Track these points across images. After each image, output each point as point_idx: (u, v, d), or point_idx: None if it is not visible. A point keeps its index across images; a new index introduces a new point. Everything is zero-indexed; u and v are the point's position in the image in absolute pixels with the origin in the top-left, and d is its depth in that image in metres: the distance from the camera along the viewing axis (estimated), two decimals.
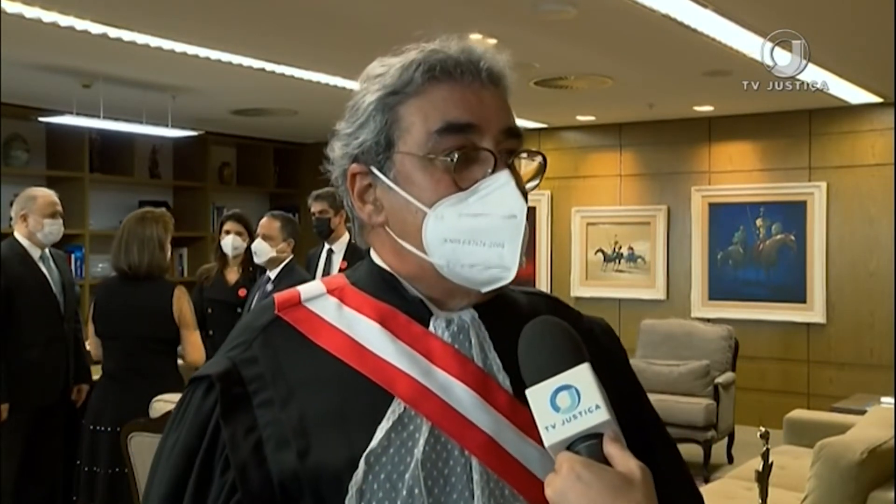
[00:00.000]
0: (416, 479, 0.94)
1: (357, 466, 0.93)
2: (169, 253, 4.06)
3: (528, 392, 0.89)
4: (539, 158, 1.07)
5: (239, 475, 0.95)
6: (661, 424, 1.17)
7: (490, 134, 1.00)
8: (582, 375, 0.88)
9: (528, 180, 1.05)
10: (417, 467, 0.94)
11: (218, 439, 0.97)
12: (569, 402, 0.86)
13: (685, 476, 1.15)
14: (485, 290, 1.01)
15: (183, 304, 3.97)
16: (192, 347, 3.95)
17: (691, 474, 1.17)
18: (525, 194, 1.01)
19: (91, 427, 3.88)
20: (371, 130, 1.02)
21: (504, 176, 0.99)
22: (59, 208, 4.37)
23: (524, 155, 1.05)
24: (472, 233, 0.98)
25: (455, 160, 0.98)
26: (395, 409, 0.97)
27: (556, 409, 0.87)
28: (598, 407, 0.86)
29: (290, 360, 1.00)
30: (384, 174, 1.02)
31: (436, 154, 0.99)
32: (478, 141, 1.00)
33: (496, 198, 0.98)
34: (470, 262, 0.99)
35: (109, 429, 3.73)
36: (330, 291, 1.06)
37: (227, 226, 5.08)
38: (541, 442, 0.88)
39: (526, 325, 0.93)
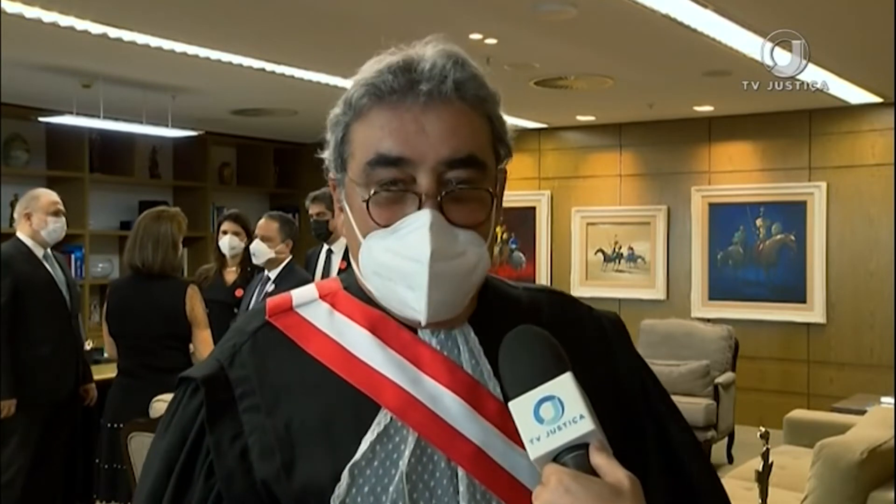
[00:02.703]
0: (400, 493, 0.92)
1: (340, 479, 0.93)
2: (180, 252, 4.13)
3: (510, 405, 0.87)
4: (483, 194, 0.98)
5: (225, 483, 0.94)
6: (678, 418, 1.13)
7: (426, 166, 0.95)
8: (565, 385, 0.86)
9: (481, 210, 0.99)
10: (402, 480, 0.93)
11: (201, 443, 0.96)
12: (552, 413, 0.85)
13: (705, 473, 1.11)
14: (419, 325, 0.99)
15: (195, 303, 4.05)
16: (204, 345, 4.02)
17: (714, 471, 1.14)
18: (468, 226, 0.96)
19: (109, 425, 3.93)
20: (331, 148, 1.03)
21: (422, 217, 0.94)
22: (62, 207, 4.44)
23: (467, 191, 0.97)
24: (392, 270, 0.97)
25: (370, 197, 0.96)
26: (380, 421, 0.95)
27: (540, 420, 0.85)
28: (582, 417, 0.84)
29: (278, 367, 1.00)
30: (342, 190, 1.03)
31: (368, 185, 0.97)
32: (413, 172, 0.95)
33: (409, 240, 0.95)
34: (395, 298, 0.98)
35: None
36: (322, 297, 1.05)
37: (225, 226, 5.08)
38: None
39: (504, 337, 0.92)
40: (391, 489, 0.93)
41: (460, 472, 0.95)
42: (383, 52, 1.01)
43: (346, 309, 1.03)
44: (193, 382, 1.00)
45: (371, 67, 1.00)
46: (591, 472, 0.84)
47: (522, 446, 0.89)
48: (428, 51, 0.98)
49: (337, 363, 0.99)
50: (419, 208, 0.95)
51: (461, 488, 0.94)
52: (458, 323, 1.02)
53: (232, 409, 0.97)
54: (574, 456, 0.84)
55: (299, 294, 1.06)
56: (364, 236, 0.99)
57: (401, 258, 0.96)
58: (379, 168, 0.96)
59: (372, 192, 0.96)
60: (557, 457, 0.85)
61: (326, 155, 1.04)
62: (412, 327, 1.01)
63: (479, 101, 0.99)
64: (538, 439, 0.85)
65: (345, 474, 0.93)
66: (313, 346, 1.00)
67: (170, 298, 4.01)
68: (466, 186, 0.97)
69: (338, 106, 1.02)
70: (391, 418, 0.96)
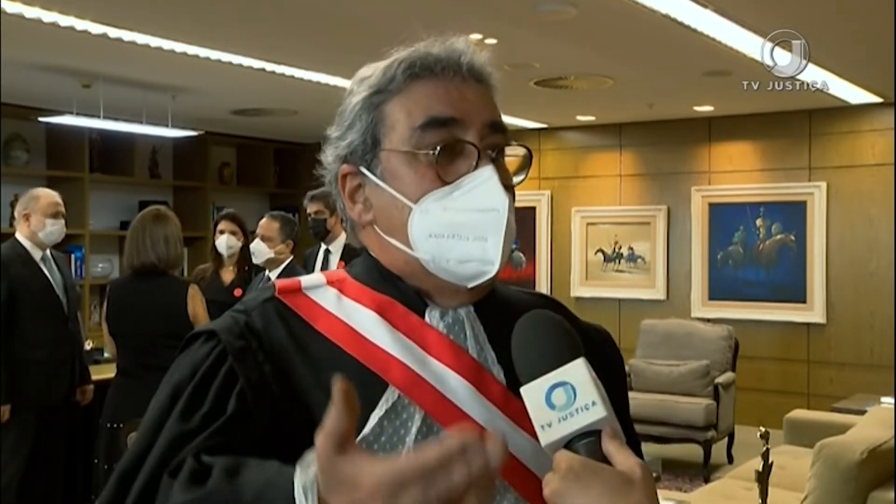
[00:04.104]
0: None
1: None
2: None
3: (522, 390, 0.87)
4: (524, 151, 1.08)
5: (253, 392, 0.94)
6: (638, 447, 1.15)
7: (474, 128, 1.01)
8: (577, 371, 0.85)
9: (514, 173, 1.07)
10: None
11: (212, 378, 0.96)
12: (564, 400, 0.84)
13: None
14: (470, 285, 1.02)
15: (196, 303, 4.09)
16: None
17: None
18: (511, 189, 1.02)
19: (109, 425, 3.93)
20: (358, 130, 1.04)
21: (487, 171, 1.00)
22: (62, 209, 4.41)
23: (509, 151, 1.06)
24: (456, 227, 0.99)
25: (437, 154, 0.99)
26: (388, 398, 0.97)
27: (552, 406, 0.84)
28: (594, 403, 0.84)
29: (286, 338, 1.00)
30: (371, 172, 1.04)
31: (420, 149, 1.00)
32: (461, 135, 1.01)
33: (479, 192, 0.99)
34: (454, 257, 1.00)
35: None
36: (330, 283, 1.07)
37: (222, 225, 5.08)
38: (534, 434, 0.87)
39: (518, 321, 0.93)
40: None
41: None
42: (384, 54, 1.05)
43: (353, 294, 1.06)
44: (205, 334, 1.00)
45: (383, 63, 1.04)
46: (603, 459, 0.84)
47: (526, 430, 0.90)
48: (459, 42, 1.05)
49: (345, 341, 1.01)
50: (476, 164, 1.00)
51: None
52: (466, 298, 1.05)
53: (249, 354, 0.97)
54: (586, 443, 0.84)
55: (308, 279, 1.08)
56: (415, 201, 1.00)
57: (470, 211, 0.99)
58: (430, 130, 1.00)
59: (437, 148, 0.99)
60: (569, 444, 0.84)
61: (341, 147, 1.06)
62: (419, 312, 1.04)
63: (494, 84, 1.07)
64: (549, 425, 0.84)
65: None
66: (321, 324, 1.02)
67: (170, 298, 4.04)
68: (515, 144, 1.05)
69: (357, 94, 1.05)
70: (398, 396, 0.97)
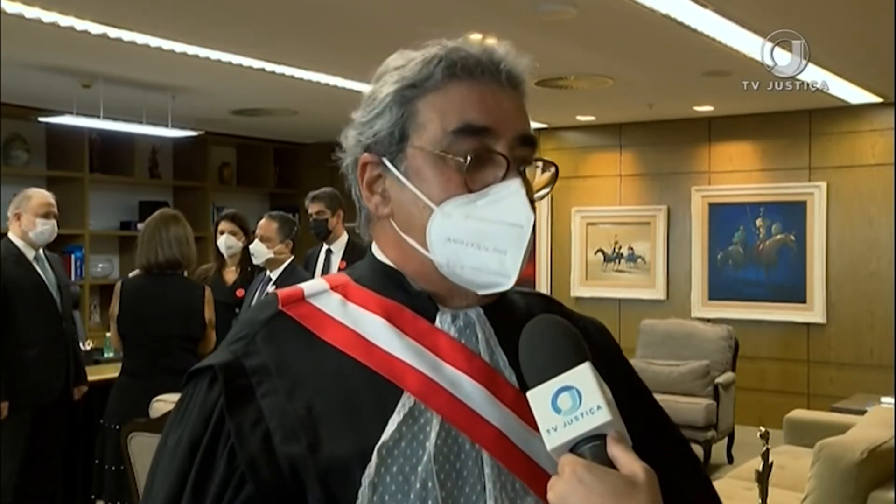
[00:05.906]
0: (429, 473, 0.94)
1: (369, 459, 0.93)
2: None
3: (528, 395, 0.88)
4: (552, 169, 1.06)
5: (249, 469, 0.93)
6: (667, 420, 1.15)
7: (505, 139, 1.00)
8: (583, 375, 0.86)
9: (539, 189, 1.05)
10: (430, 460, 0.94)
11: (221, 430, 0.96)
12: (570, 404, 0.85)
13: (697, 470, 1.14)
14: (482, 292, 1.01)
15: (211, 306, 4.16)
16: (212, 346, 4.10)
17: (703, 468, 1.16)
18: (534, 204, 1.01)
19: (111, 426, 3.92)
20: (386, 121, 1.02)
21: (515, 184, 0.99)
22: (54, 209, 4.39)
23: (538, 164, 1.05)
24: (477, 235, 0.98)
25: (468, 161, 0.98)
26: (405, 403, 0.96)
27: (558, 411, 0.85)
28: (599, 408, 0.84)
29: (294, 354, 0.99)
30: (395, 166, 1.02)
31: (449, 153, 0.99)
32: (492, 145, 0.99)
33: (505, 205, 0.98)
34: (470, 265, 0.99)
35: None
36: (333, 288, 1.06)
37: (222, 226, 5.10)
38: None
39: (526, 325, 0.93)
40: (420, 469, 0.94)
41: (485, 454, 0.96)
42: (417, 46, 1.04)
43: (358, 299, 1.04)
44: (210, 372, 0.99)
45: (419, 56, 1.02)
46: (609, 463, 0.84)
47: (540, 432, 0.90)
48: (498, 46, 1.04)
49: (355, 349, 0.99)
50: (505, 175, 0.99)
51: (486, 469, 0.96)
52: (475, 301, 1.04)
53: (250, 395, 0.97)
54: (591, 447, 0.85)
55: (310, 286, 1.07)
56: (438, 204, 0.99)
57: (493, 223, 0.98)
58: (462, 137, 0.99)
59: (469, 157, 0.98)
60: (575, 447, 0.85)
61: (366, 134, 1.03)
62: (428, 316, 1.03)
63: (526, 92, 1.05)
64: (555, 429, 0.85)
65: (374, 454, 0.93)
66: (329, 334, 1.01)
67: (187, 299, 4.09)
68: (542, 162, 1.05)
69: (389, 84, 1.02)
70: (414, 401, 0.97)
